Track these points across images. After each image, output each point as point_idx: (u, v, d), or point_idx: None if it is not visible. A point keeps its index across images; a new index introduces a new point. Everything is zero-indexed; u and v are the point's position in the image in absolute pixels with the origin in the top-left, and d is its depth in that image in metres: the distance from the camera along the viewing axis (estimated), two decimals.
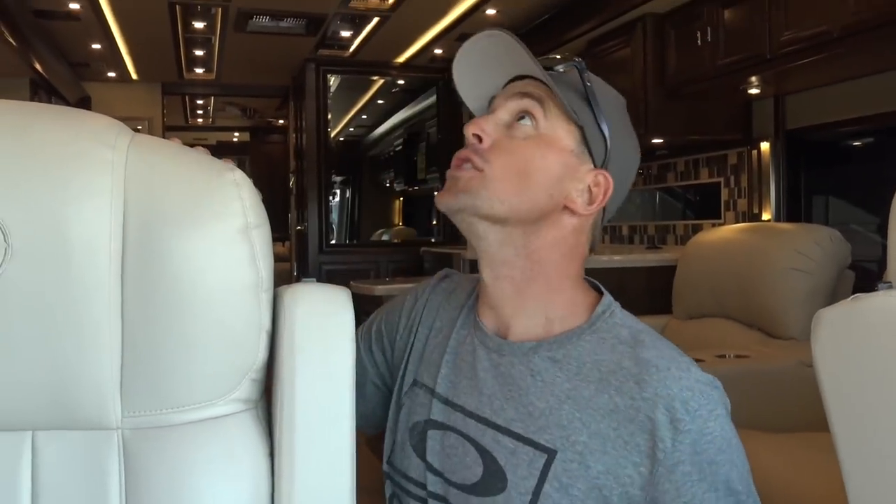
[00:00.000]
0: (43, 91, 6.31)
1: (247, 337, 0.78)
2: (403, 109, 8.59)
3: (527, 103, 0.83)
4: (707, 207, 4.20)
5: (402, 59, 6.61)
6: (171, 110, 8.54)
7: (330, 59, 6.62)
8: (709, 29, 3.55)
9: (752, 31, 3.28)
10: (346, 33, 5.92)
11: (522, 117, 0.82)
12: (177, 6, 5.08)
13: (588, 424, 0.75)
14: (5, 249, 0.71)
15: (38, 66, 5.55)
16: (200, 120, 10.80)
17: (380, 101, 8.94)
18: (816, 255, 2.52)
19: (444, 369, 0.87)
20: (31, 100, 6.11)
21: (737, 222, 3.85)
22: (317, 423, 0.79)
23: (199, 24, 5.61)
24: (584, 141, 0.82)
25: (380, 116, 9.62)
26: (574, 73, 0.84)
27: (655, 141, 4.01)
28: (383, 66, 6.86)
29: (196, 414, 0.76)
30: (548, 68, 0.83)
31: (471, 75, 0.88)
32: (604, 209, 0.86)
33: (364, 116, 10.03)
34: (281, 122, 10.28)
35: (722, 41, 3.48)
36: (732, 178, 4.00)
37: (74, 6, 4.93)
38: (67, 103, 6.96)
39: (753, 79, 3.41)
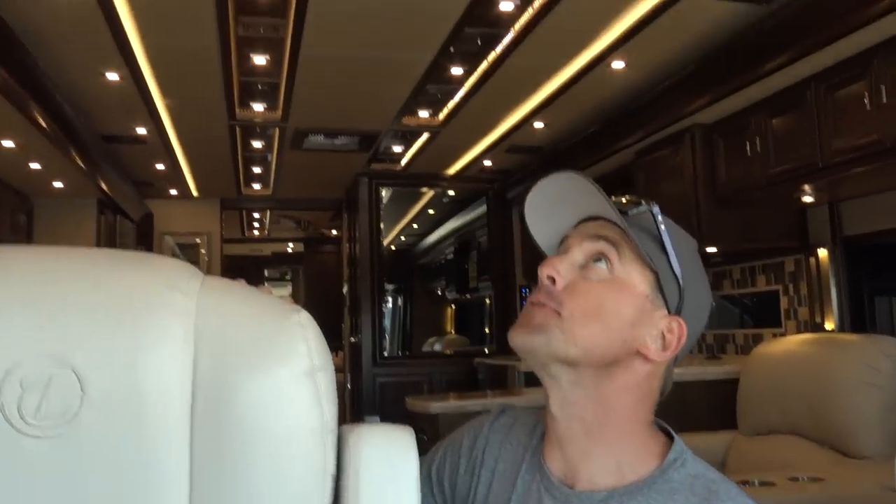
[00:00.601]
0: (109, 210, 6.58)
1: (312, 482, 0.77)
2: (454, 218, 8.73)
3: (602, 246, 0.82)
4: (766, 315, 4.11)
5: (452, 170, 6.76)
6: (228, 223, 8.81)
7: (382, 172, 6.81)
8: (757, 139, 3.57)
9: (801, 140, 3.29)
10: (397, 148, 6.10)
11: (598, 259, 0.82)
12: (237, 128, 5.32)
13: None
14: (81, 398, 0.72)
15: (104, 187, 5.82)
16: (256, 232, 11.10)
17: (430, 211, 9.12)
18: (886, 368, 2.43)
19: None
20: (98, 218, 6.37)
21: (798, 332, 3.75)
22: None
23: (257, 144, 5.85)
24: (658, 286, 0.82)
25: (431, 225, 9.79)
26: (647, 216, 0.85)
27: (709, 250, 3.98)
28: (434, 178, 7.03)
29: None
30: (621, 211, 0.83)
31: (542, 212, 0.89)
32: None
33: (415, 226, 10.21)
34: (334, 232, 10.50)
35: (772, 150, 3.49)
36: (791, 286, 3.92)
37: (142, 131, 5.20)
38: (132, 221, 7.24)
39: (806, 187, 3.39)
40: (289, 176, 6.89)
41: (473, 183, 7.11)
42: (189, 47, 3.84)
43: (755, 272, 4.21)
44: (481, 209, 7.51)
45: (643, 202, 0.85)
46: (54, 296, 0.75)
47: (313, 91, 4.52)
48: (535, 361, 0.83)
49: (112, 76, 4.10)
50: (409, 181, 7.17)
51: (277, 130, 5.42)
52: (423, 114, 5.17)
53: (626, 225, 0.81)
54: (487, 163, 6.34)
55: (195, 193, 7.55)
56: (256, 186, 7.53)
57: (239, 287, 0.85)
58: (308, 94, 4.57)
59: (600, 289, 0.82)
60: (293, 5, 3.37)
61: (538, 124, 5.14)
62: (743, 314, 4.43)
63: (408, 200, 8.54)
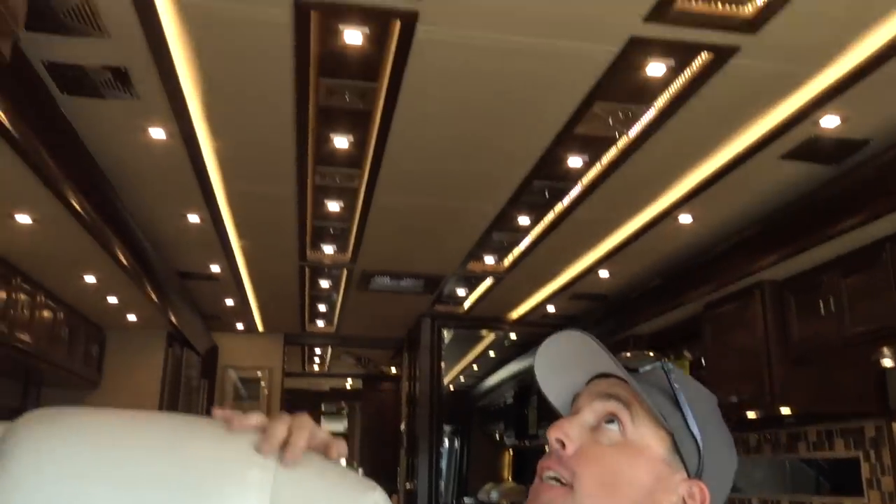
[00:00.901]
0: (177, 343, 6.73)
1: None
2: (514, 362, 8.65)
3: (613, 406, 0.78)
4: (846, 482, 3.88)
5: (514, 314, 6.76)
6: (289, 357, 8.89)
7: (445, 314, 6.86)
8: (831, 298, 3.49)
9: (878, 301, 3.20)
10: (461, 291, 6.17)
11: (610, 420, 0.78)
12: (306, 268, 5.46)
13: None
14: None
15: (174, 321, 5.97)
16: (317, 367, 11.16)
17: (491, 353, 9.08)
18: None
19: None
20: (167, 351, 6.50)
21: None
22: None
23: (324, 283, 5.99)
24: (675, 448, 0.77)
25: (491, 367, 9.71)
26: (659, 372, 0.80)
27: (783, 410, 3.82)
28: (496, 321, 7.03)
29: None
30: (632, 369, 0.81)
31: (553, 370, 0.86)
32: None
33: (475, 367, 10.15)
34: (393, 370, 10.50)
35: (847, 310, 3.40)
36: (872, 453, 3.71)
37: (215, 269, 5.38)
38: (198, 354, 7.37)
39: (885, 350, 3.28)
40: (353, 314, 6.99)
41: (536, 328, 7.07)
42: (268, 193, 4.03)
43: (833, 436, 4.00)
44: None
45: (654, 357, 0.82)
46: (131, 465, 0.76)
47: (383, 236, 4.66)
48: None
49: (193, 218, 4.30)
50: (472, 323, 7.18)
51: (345, 272, 5.55)
52: (489, 260, 5.24)
53: (637, 383, 0.77)
54: (551, 308, 6.33)
55: (260, 328, 7.69)
56: (320, 323, 7.64)
57: (316, 459, 0.84)
58: (377, 239, 4.70)
59: (613, 454, 0.77)
60: (369, 158, 3.52)
61: (603, 273, 5.15)
62: (819, 477, 4.19)
63: (469, 341, 8.54)
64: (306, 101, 2.98)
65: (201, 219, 4.31)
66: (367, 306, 6.56)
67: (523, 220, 4.37)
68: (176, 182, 3.79)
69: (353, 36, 2.57)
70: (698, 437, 0.77)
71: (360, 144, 3.45)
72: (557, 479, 0.78)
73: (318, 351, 10.11)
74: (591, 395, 0.81)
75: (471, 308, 6.59)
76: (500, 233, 4.62)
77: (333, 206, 4.21)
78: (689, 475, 0.77)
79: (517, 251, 4.95)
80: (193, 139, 3.29)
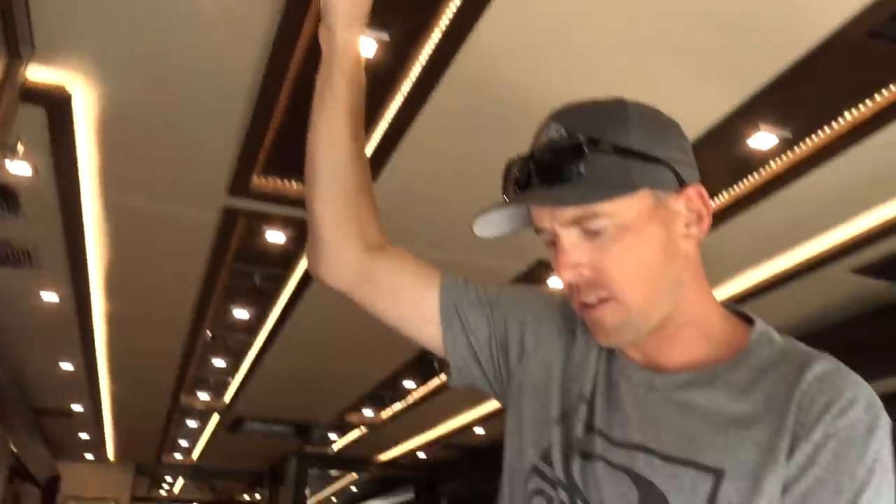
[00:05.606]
0: (18, 477, 6.20)
1: None
2: (377, 499, 8.51)
3: (580, 211, 0.71)
4: None
5: (384, 457, 6.71)
6: (138, 481, 8.36)
7: (312, 455, 6.72)
8: None
9: None
10: (333, 436, 6.08)
11: (597, 233, 0.72)
12: (177, 410, 5.25)
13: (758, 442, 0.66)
14: None
15: (14, 450, 5.51)
16: (164, 492, 10.53)
17: (353, 488, 8.91)
18: None
19: (599, 401, 0.75)
20: (8, 485, 5.97)
21: None
22: None
23: (192, 424, 5.76)
24: (653, 186, 0.72)
25: (350, 500, 9.51)
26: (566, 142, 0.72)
27: None
28: (364, 462, 6.95)
29: None
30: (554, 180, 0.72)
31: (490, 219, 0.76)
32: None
33: (333, 499, 9.90)
34: (246, 497, 10.08)
35: None
36: None
37: (77, 408, 5.08)
38: (38, 485, 6.81)
39: None
40: (216, 450, 6.72)
41: (404, 471, 7.05)
42: (153, 349, 3.90)
43: None
44: (408, 496, 7.39)
45: (564, 142, 0.71)
46: None
47: (265, 390, 4.57)
48: (630, 344, 0.75)
49: (66, 365, 4.10)
50: (339, 465, 7.07)
51: (218, 416, 5.38)
52: (367, 412, 5.23)
53: (572, 183, 0.70)
54: (422, 455, 6.34)
55: (111, 458, 7.24)
56: (178, 456, 7.30)
57: None
58: (258, 392, 4.61)
59: (621, 244, 0.72)
60: (266, 327, 3.51)
61: (479, 430, 5.24)
62: None
63: (332, 475, 8.35)
64: (215, 280, 2.97)
65: (75, 366, 4.11)
66: (233, 445, 6.34)
67: (409, 384, 4.43)
68: (58, 336, 3.62)
69: (275, 236, 2.63)
70: (660, 156, 0.72)
71: (259, 316, 3.44)
72: (602, 301, 0.73)
73: (168, 479, 9.58)
74: (553, 222, 0.73)
75: (340, 450, 6.49)
76: (385, 392, 4.65)
77: (219, 362, 4.13)
78: (677, 190, 0.73)
79: (398, 407, 4.98)
80: (86, 302, 3.18)
